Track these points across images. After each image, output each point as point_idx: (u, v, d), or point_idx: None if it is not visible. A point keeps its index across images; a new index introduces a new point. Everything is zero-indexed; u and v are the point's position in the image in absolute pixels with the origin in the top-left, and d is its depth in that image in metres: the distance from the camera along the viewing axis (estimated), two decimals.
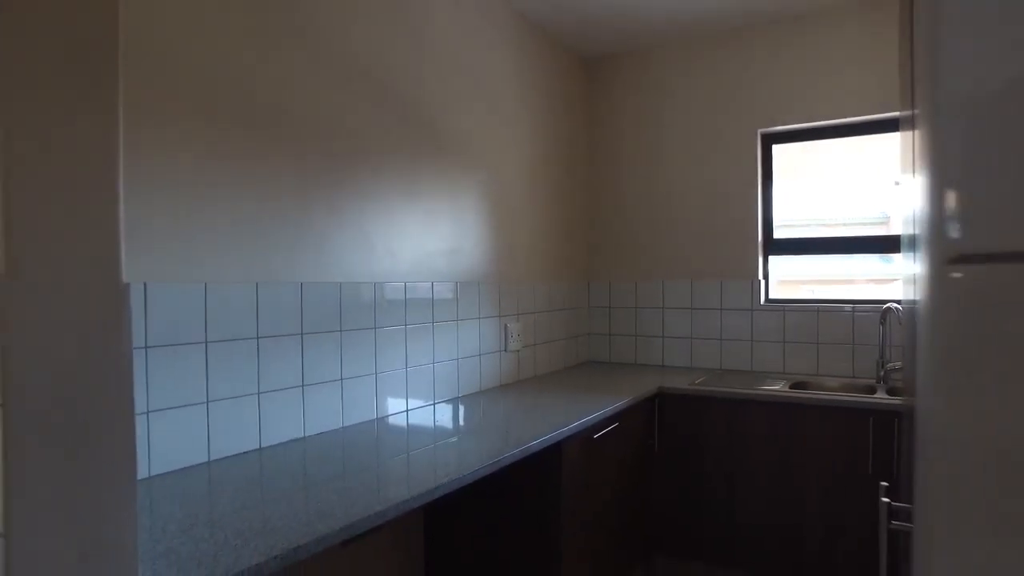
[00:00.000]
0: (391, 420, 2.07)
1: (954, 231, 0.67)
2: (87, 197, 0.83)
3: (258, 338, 1.70)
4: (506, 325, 2.75)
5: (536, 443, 1.78)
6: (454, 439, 1.87)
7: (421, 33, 2.28)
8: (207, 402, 1.58)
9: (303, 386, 1.82)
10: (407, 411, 2.19)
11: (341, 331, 1.95)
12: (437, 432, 1.96)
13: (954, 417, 0.70)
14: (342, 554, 1.92)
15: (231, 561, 1.03)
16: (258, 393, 1.70)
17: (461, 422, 2.10)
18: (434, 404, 2.32)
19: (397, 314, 2.17)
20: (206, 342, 1.58)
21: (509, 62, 2.80)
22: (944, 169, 0.68)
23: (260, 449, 1.70)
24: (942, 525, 0.70)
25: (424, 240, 2.31)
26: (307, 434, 1.84)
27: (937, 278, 0.68)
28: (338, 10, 1.94)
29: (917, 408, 0.78)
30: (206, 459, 1.58)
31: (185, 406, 1.53)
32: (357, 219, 2.02)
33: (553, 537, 1.94)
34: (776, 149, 3.08)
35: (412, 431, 1.94)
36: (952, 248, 0.66)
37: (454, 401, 2.39)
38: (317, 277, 1.88)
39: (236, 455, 1.64)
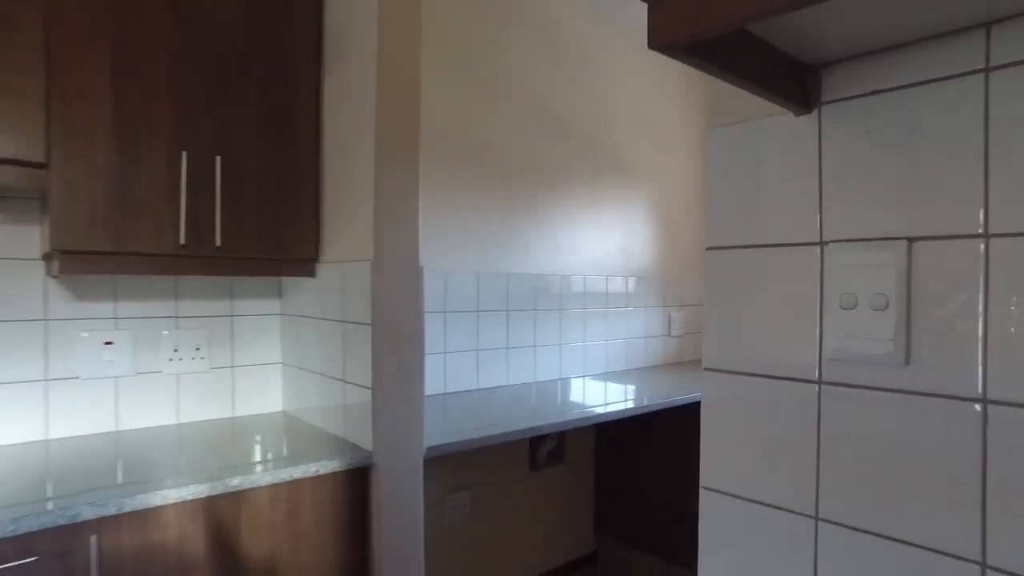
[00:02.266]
0: (571, 380, 2.77)
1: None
2: (402, 217, 1.62)
3: (478, 312, 2.51)
4: (670, 314, 3.33)
5: (680, 398, 2.36)
6: (621, 393, 2.51)
7: (597, 78, 2.96)
8: (445, 353, 2.41)
9: (507, 348, 2.60)
10: (584, 376, 2.89)
11: (535, 310, 2.70)
12: (608, 389, 2.62)
13: None
14: (533, 476, 2.66)
15: (471, 430, 1.79)
16: (477, 350, 2.50)
17: (627, 383, 2.73)
18: (605, 372, 2.98)
19: (577, 300, 2.87)
20: (445, 312, 2.41)
21: (675, 95, 3.37)
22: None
23: (477, 389, 2.50)
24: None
25: (601, 242, 2.99)
26: (510, 383, 2.61)
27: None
28: (532, 70, 2.69)
29: None
30: (443, 391, 2.41)
31: (432, 354, 2.38)
32: (549, 226, 2.76)
33: (690, 476, 2.50)
34: None
35: (588, 387, 2.62)
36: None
37: (623, 372, 3.03)
38: (519, 269, 2.65)
39: (461, 391, 2.45)
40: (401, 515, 1.60)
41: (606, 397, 2.38)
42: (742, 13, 0.53)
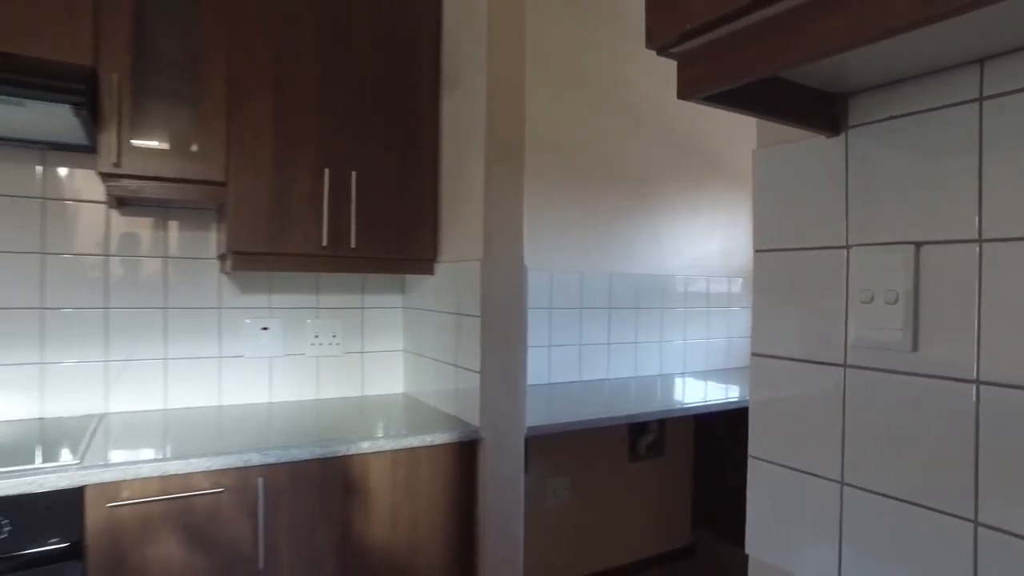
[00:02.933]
0: (671, 376, 2.89)
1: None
2: (508, 222, 1.85)
3: (581, 309, 2.70)
4: None
5: None
6: (720, 389, 2.61)
7: None
8: (549, 346, 2.62)
9: (608, 344, 2.77)
10: (684, 372, 2.99)
11: (637, 309, 2.85)
12: (708, 385, 2.72)
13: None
14: (632, 467, 2.81)
15: (574, 415, 1.99)
16: (579, 344, 2.70)
17: (727, 381, 2.82)
18: (705, 370, 3.07)
19: (679, 299, 2.99)
20: (551, 308, 2.62)
21: None
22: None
23: (580, 381, 2.69)
24: None
25: (704, 243, 3.08)
26: (610, 377, 2.78)
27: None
28: (633, 77, 2.84)
29: None
30: (547, 381, 2.63)
31: (538, 347, 2.60)
32: (651, 228, 2.90)
33: None
34: None
35: (688, 383, 2.74)
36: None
37: (723, 370, 3.10)
38: (621, 269, 2.81)
39: (564, 382, 2.66)
40: (503, 483, 1.83)
41: (705, 393, 2.49)
42: (765, 67, 0.68)
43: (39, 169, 1.86)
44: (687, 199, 3.03)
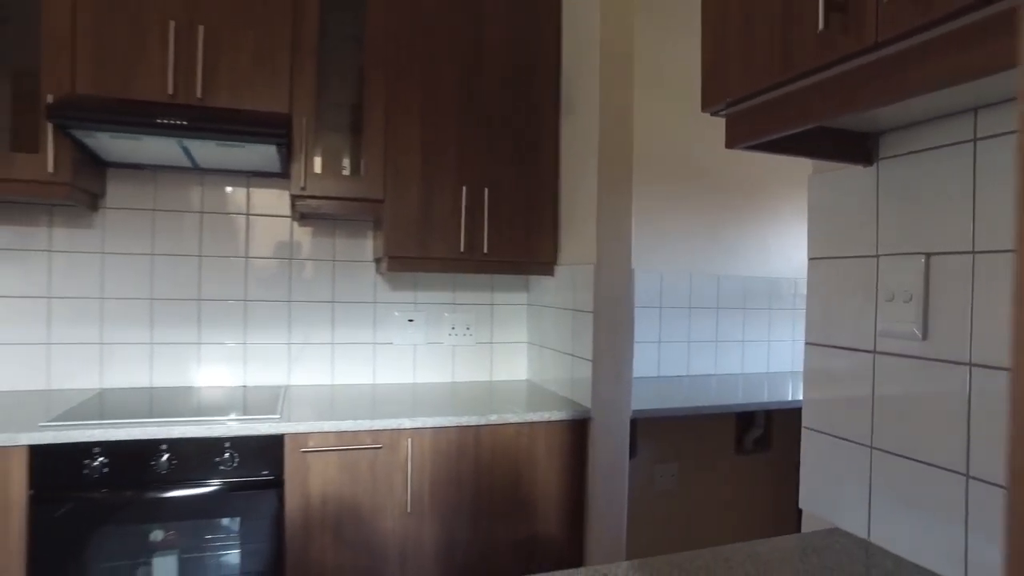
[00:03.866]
0: (778, 373, 3.04)
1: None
2: (618, 230, 2.13)
3: (690, 308, 2.92)
4: None
5: None
6: None
7: None
8: (659, 342, 2.87)
9: (716, 341, 2.97)
10: (792, 370, 3.12)
11: (744, 309, 3.03)
12: None
13: None
14: (739, 460, 2.99)
15: (677, 402, 2.25)
16: (688, 341, 2.92)
17: None
18: None
19: (787, 300, 3.12)
20: (660, 307, 2.87)
21: None
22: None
23: (687, 375, 2.92)
24: None
25: None
26: (717, 372, 2.98)
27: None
28: None
29: None
30: (685, 373, 2.88)
31: (648, 342, 2.85)
32: (758, 233, 3.06)
33: None
34: None
35: (795, 380, 2.88)
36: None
37: None
38: (729, 271, 3.00)
39: (672, 376, 2.89)
40: (610, 459, 2.12)
41: None
42: (799, 122, 0.94)
43: (244, 191, 2.39)
44: (793, 204, 3.16)
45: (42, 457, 1.68)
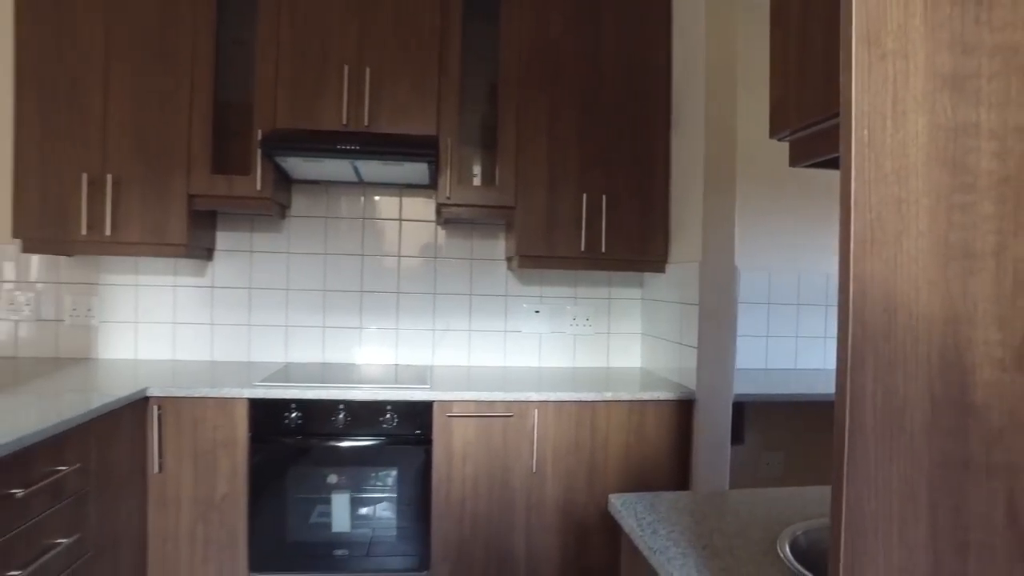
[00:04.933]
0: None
1: None
2: (722, 231, 2.39)
3: (798, 305, 3.09)
4: None
5: None
6: None
7: None
8: (767, 336, 3.06)
9: (825, 337, 3.12)
10: None
11: (826, 306, 3.15)
12: None
13: None
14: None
15: (777, 390, 2.47)
16: (796, 336, 3.09)
17: None
18: None
19: None
20: (769, 303, 3.06)
21: None
22: None
23: (795, 369, 3.09)
24: None
25: None
26: (826, 367, 3.13)
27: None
28: None
29: None
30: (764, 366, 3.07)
31: (754, 336, 3.06)
32: None
33: None
34: None
35: None
36: None
37: None
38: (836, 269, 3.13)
39: (779, 368, 3.07)
40: (713, 438, 2.38)
41: None
42: (834, 150, 1.21)
43: (397, 201, 2.87)
44: None
45: (256, 408, 2.21)
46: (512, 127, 2.57)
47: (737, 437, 2.41)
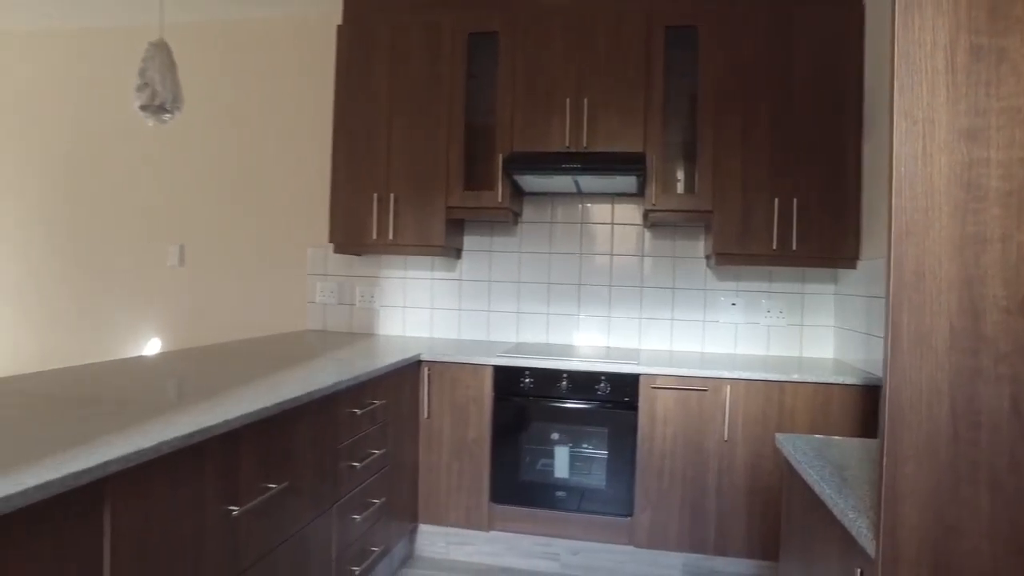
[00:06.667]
0: None
1: None
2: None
3: None
4: None
5: None
6: None
7: None
8: None
9: None
10: None
11: None
12: None
13: None
14: None
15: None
16: None
17: None
18: None
19: None
20: None
21: None
22: None
23: None
24: None
25: None
26: None
27: None
28: None
29: None
30: None
31: None
32: None
33: None
34: None
35: None
36: None
37: None
38: None
39: None
40: None
41: None
42: None
43: (609, 207, 3.42)
44: None
45: (499, 373, 2.89)
46: (709, 142, 3.00)
47: None
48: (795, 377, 2.66)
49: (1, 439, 1.32)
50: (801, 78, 2.94)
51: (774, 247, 2.93)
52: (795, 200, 2.92)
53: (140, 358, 2.47)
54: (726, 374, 2.70)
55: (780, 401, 2.69)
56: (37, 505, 1.08)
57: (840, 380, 2.64)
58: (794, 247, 2.92)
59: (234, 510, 1.60)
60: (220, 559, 1.57)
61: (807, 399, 2.68)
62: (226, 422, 1.53)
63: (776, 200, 2.93)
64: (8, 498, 1.01)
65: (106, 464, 1.20)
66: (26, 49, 4.20)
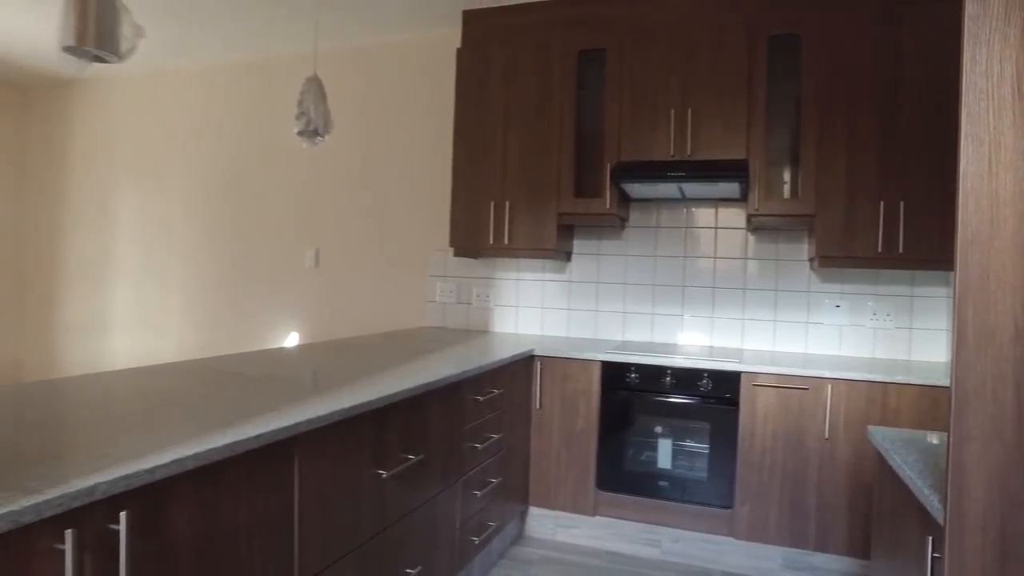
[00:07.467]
0: None
1: None
2: None
3: None
4: None
5: None
6: None
7: None
8: None
9: None
10: None
11: None
12: None
13: None
14: None
15: None
16: None
17: None
18: None
19: None
20: None
21: None
22: None
23: None
24: None
25: None
26: None
27: None
28: None
29: None
30: None
31: None
32: None
33: None
34: None
35: None
36: None
37: None
38: None
39: None
40: None
41: None
42: None
43: (713, 212, 3.56)
44: None
45: (606, 368, 3.10)
46: (813, 147, 3.08)
47: None
48: (898, 379, 2.72)
49: (217, 404, 1.69)
50: (909, 79, 2.97)
51: (879, 250, 2.98)
52: (902, 203, 2.96)
53: (291, 348, 2.87)
54: (827, 374, 2.79)
55: (883, 402, 2.75)
56: (253, 452, 1.42)
57: (946, 383, 2.68)
58: (900, 250, 2.96)
59: (382, 473, 1.91)
60: (372, 512, 1.89)
61: (912, 401, 2.72)
62: (380, 398, 1.84)
63: (882, 202, 2.98)
64: (234, 444, 1.35)
65: (295, 425, 1.53)
66: (200, 83, 4.86)
